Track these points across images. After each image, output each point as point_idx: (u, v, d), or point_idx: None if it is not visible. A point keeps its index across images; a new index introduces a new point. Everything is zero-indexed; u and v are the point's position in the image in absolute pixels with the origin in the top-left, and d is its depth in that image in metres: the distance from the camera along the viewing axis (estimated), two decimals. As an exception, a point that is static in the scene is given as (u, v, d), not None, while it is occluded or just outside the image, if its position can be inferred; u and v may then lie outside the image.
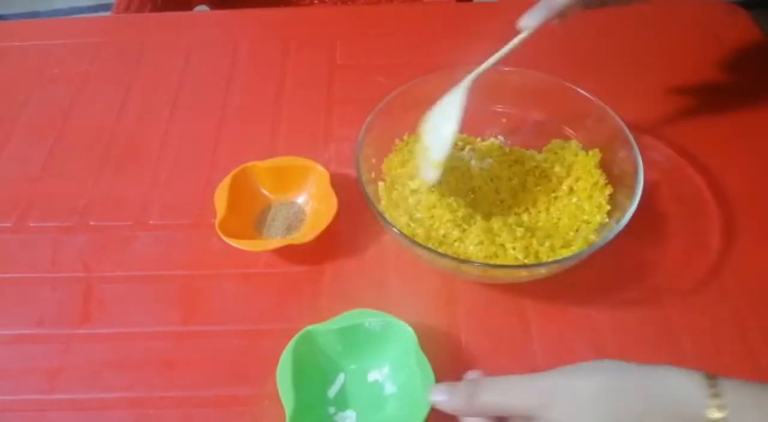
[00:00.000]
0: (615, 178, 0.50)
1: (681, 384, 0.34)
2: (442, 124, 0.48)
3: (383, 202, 0.50)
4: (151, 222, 0.54)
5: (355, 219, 0.53)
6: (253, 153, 0.58)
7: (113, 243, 0.52)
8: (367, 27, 0.72)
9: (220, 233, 0.47)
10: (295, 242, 0.48)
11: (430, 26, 0.71)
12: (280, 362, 0.41)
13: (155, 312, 0.48)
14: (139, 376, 0.45)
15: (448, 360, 0.44)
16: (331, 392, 0.43)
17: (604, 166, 0.51)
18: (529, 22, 0.45)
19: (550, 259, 0.45)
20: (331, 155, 0.58)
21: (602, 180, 0.50)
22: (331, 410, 0.42)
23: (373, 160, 0.52)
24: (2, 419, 0.43)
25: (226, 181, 0.52)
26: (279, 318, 0.47)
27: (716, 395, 0.33)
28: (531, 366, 0.44)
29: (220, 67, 0.67)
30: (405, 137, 0.54)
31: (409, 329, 0.42)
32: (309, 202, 0.54)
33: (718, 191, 0.54)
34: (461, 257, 0.45)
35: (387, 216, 0.48)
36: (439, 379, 0.40)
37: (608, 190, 0.50)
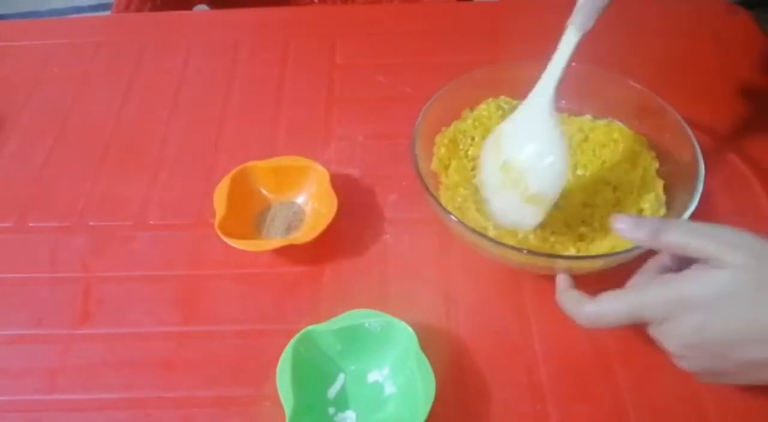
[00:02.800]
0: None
1: None
2: (540, 153, 0.42)
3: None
4: (150, 222, 0.54)
5: (355, 219, 0.53)
6: (253, 152, 0.58)
7: (113, 243, 0.52)
8: (367, 26, 0.72)
9: (219, 233, 0.47)
10: (296, 242, 0.47)
11: (430, 26, 0.71)
12: (279, 362, 0.41)
13: (155, 313, 0.48)
14: (139, 376, 0.44)
15: (448, 361, 0.44)
16: (331, 392, 0.43)
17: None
18: (587, 23, 0.44)
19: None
20: (331, 155, 0.58)
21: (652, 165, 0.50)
22: (331, 410, 0.42)
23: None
24: (1, 419, 0.43)
25: (225, 181, 0.51)
26: (279, 319, 0.47)
27: None
28: (531, 366, 0.44)
29: (219, 67, 0.67)
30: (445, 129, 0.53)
31: (410, 329, 0.42)
32: (309, 202, 0.53)
33: (719, 190, 0.54)
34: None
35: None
36: (439, 380, 0.40)
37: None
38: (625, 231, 0.37)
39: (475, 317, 0.47)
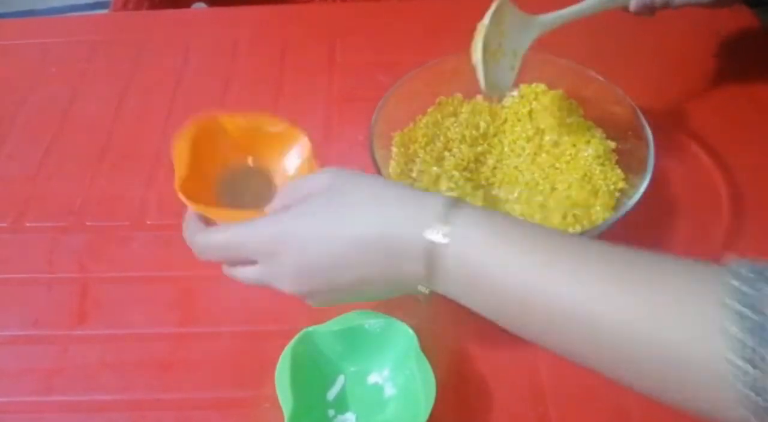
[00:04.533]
0: (628, 166, 0.51)
1: (405, 219, 0.33)
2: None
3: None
4: (148, 222, 0.53)
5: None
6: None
7: (110, 244, 0.52)
8: (367, 24, 0.71)
9: (183, 198, 0.39)
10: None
11: (430, 23, 0.71)
12: (278, 364, 0.41)
13: (152, 313, 0.47)
14: (137, 378, 0.44)
15: (449, 362, 0.44)
16: (331, 394, 0.42)
17: (619, 154, 0.52)
18: None
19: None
20: (331, 154, 0.58)
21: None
22: (331, 412, 0.41)
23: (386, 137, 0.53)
24: (-2, 421, 0.43)
25: (188, 131, 0.42)
26: (278, 320, 0.47)
27: (446, 221, 0.32)
28: (532, 367, 0.44)
29: (218, 65, 0.67)
30: (418, 117, 0.55)
31: (410, 331, 0.41)
32: (285, 176, 0.44)
33: (724, 185, 0.54)
34: None
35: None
36: (439, 381, 0.40)
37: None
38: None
39: (475, 318, 0.47)
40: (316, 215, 0.35)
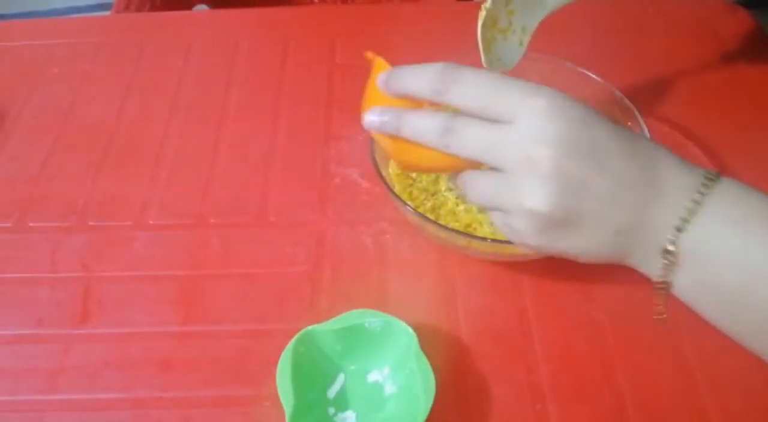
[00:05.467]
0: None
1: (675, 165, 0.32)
2: None
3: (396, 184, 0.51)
4: (150, 222, 0.54)
5: (355, 219, 0.53)
6: (253, 151, 0.58)
7: (113, 244, 0.52)
8: (367, 26, 0.72)
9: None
10: None
11: (430, 26, 0.71)
12: (279, 362, 0.41)
13: (155, 313, 0.48)
14: (139, 376, 0.44)
15: (449, 361, 0.44)
16: (331, 392, 0.43)
17: None
18: None
19: None
20: (331, 155, 0.58)
21: None
22: (331, 410, 0.42)
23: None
24: (1, 419, 0.43)
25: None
26: (279, 319, 0.47)
27: (704, 190, 0.31)
28: (531, 366, 0.44)
29: (219, 67, 0.67)
30: None
31: (410, 329, 0.42)
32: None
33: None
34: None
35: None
36: (439, 380, 0.40)
37: None
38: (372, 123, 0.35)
39: (475, 317, 0.47)
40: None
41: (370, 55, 0.40)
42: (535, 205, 0.31)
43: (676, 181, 0.32)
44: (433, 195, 0.51)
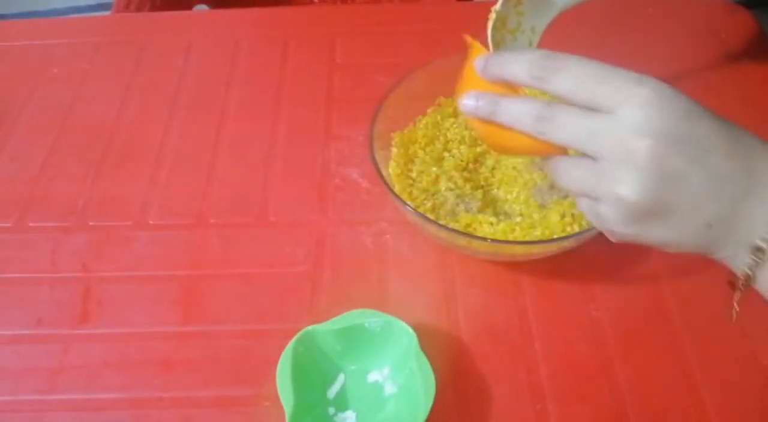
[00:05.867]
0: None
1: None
2: None
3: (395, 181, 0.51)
4: (150, 222, 0.54)
5: (355, 219, 0.53)
6: (253, 151, 0.58)
7: (112, 244, 0.52)
8: (367, 26, 0.72)
9: None
10: None
11: (430, 26, 0.71)
12: (279, 362, 0.41)
13: (154, 313, 0.48)
14: (139, 377, 0.44)
15: (448, 361, 0.44)
16: (331, 392, 0.43)
17: None
18: None
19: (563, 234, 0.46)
20: (331, 155, 0.58)
21: None
22: (331, 410, 0.42)
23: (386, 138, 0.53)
24: (1, 419, 0.43)
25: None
26: (279, 319, 0.47)
27: None
28: (531, 366, 0.44)
29: (219, 67, 0.67)
30: (418, 118, 0.55)
31: (410, 329, 0.42)
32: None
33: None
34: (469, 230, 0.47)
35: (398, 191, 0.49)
36: (439, 380, 0.40)
37: None
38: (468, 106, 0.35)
39: (475, 317, 0.47)
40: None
41: (468, 38, 0.40)
42: (627, 192, 0.31)
43: None
44: (433, 195, 0.51)
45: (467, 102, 0.36)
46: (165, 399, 0.43)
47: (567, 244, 0.45)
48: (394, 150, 0.53)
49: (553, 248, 0.45)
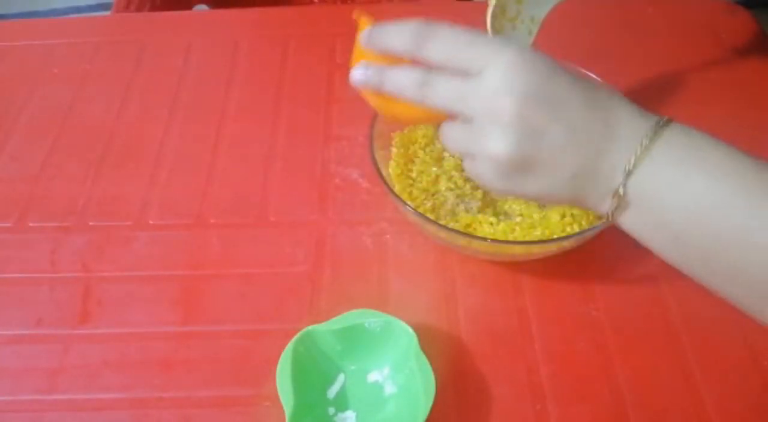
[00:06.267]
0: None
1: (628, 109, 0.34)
2: None
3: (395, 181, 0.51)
4: (150, 222, 0.54)
5: (355, 219, 0.53)
6: (253, 151, 0.58)
7: (112, 244, 0.52)
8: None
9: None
10: None
11: (430, 26, 0.71)
12: (279, 362, 0.41)
13: (154, 313, 0.48)
14: (139, 377, 0.44)
15: (448, 361, 0.44)
16: (331, 392, 0.43)
17: None
18: None
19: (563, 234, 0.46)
20: (331, 155, 0.58)
21: None
22: (331, 410, 0.42)
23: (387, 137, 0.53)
24: (1, 419, 0.43)
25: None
26: (279, 319, 0.47)
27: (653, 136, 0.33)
28: (531, 366, 0.44)
29: (219, 67, 0.67)
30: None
31: (410, 329, 0.42)
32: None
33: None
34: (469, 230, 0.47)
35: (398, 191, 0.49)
36: (439, 380, 0.40)
37: None
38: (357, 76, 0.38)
39: (475, 317, 0.47)
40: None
41: (356, 13, 0.42)
42: (496, 150, 0.33)
43: (628, 127, 0.33)
44: (433, 195, 0.51)
45: (356, 73, 0.39)
46: (165, 399, 0.43)
47: (567, 244, 0.45)
48: (394, 150, 0.53)
49: (553, 248, 0.45)
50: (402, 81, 0.37)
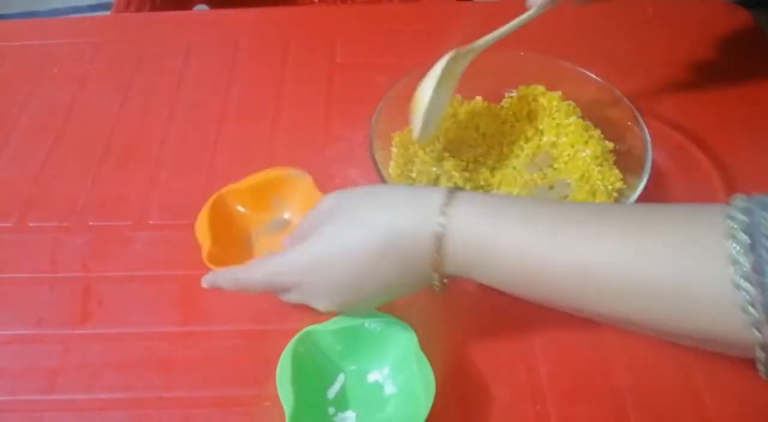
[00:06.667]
0: (626, 166, 0.51)
1: (413, 218, 0.36)
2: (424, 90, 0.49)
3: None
4: (150, 222, 0.54)
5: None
6: (253, 151, 0.58)
7: (112, 244, 0.52)
8: (367, 26, 0.72)
9: (210, 265, 0.46)
10: None
11: (430, 25, 0.71)
12: (279, 362, 0.41)
13: (154, 313, 0.48)
14: (139, 377, 0.44)
15: (448, 361, 0.44)
16: (331, 392, 0.43)
17: (617, 154, 0.52)
18: (536, 3, 0.48)
19: None
20: (331, 155, 0.58)
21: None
22: (331, 410, 0.42)
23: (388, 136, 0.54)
24: (1, 419, 0.43)
25: (204, 212, 0.49)
26: (279, 319, 0.47)
27: (444, 211, 0.35)
28: (531, 366, 0.44)
29: (219, 67, 0.67)
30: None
31: (410, 329, 0.42)
32: (297, 214, 0.51)
33: (721, 185, 0.54)
34: None
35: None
36: (439, 380, 0.40)
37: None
38: (212, 285, 0.42)
39: (475, 317, 0.47)
40: (333, 237, 0.38)
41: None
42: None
43: (419, 218, 0.36)
44: None
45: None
46: (165, 399, 0.43)
47: None
48: (394, 150, 0.53)
49: None
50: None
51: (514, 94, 0.57)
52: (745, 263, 0.27)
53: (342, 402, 0.42)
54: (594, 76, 0.54)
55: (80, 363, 0.45)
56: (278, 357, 0.41)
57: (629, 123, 0.51)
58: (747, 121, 0.60)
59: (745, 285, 0.27)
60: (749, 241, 0.27)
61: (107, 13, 0.88)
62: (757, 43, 0.67)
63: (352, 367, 0.44)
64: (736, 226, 0.28)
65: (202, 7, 0.97)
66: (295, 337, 0.42)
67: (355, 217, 0.37)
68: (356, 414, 0.42)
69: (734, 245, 0.28)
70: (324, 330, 0.42)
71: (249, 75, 0.66)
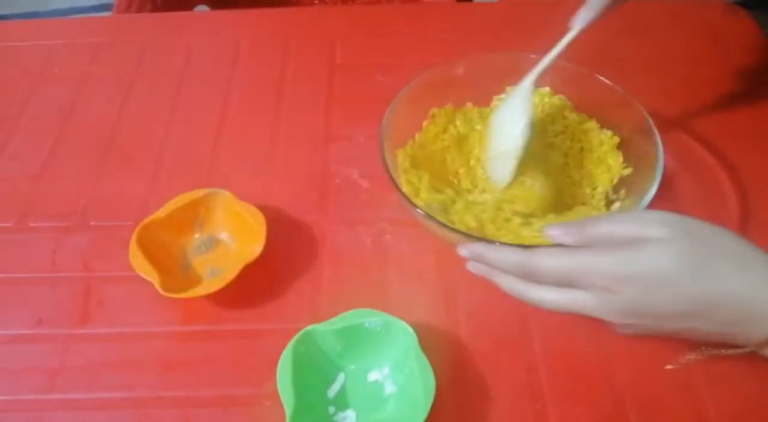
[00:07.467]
0: (637, 169, 0.51)
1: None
2: (510, 125, 0.48)
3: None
4: (150, 222, 0.54)
5: (355, 219, 0.53)
6: (253, 151, 0.58)
7: (113, 243, 0.52)
8: (367, 27, 0.72)
9: (167, 294, 0.45)
10: (225, 281, 0.46)
11: (430, 26, 0.71)
12: (279, 362, 0.41)
13: (154, 312, 0.48)
14: (139, 376, 0.45)
15: (448, 360, 0.44)
16: (331, 392, 0.43)
17: (627, 157, 0.52)
18: (578, 23, 0.48)
19: None
20: (331, 155, 0.58)
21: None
22: (331, 409, 0.42)
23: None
24: (1, 419, 0.43)
25: (133, 247, 0.48)
26: (279, 318, 0.47)
27: None
28: (531, 365, 0.44)
29: (220, 67, 0.67)
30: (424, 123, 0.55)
31: (410, 329, 0.42)
32: (223, 230, 0.52)
33: (731, 186, 0.54)
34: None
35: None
36: (439, 379, 0.40)
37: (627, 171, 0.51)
38: (557, 238, 0.38)
39: (475, 317, 0.47)
40: (672, 261, 0.34)
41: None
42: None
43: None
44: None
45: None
46: (165, 399, 0.43)
47: None
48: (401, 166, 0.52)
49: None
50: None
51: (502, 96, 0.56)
52: None
53: (342, 402, 0.42)
54: (603, 79, 0.53)
55: (80, 363, 0.45)
56: (278, 356, 0.41)
57: (640, 125, 0.49)
58: (753, 122, 0.60)
59: None
60: None
61: (108, 13, 0.88)
62: (758, 43, 0.67)
63: (352, 367, 0.44)
64: None
65: (202, 8, 0.97)
66: (296, 337, 0.42)
67: (706, 253, 0.35)
68: (356, 414, 0.42)
69: None
70: (324, 329, 0.42)
71: (249, 75, 0.66)
